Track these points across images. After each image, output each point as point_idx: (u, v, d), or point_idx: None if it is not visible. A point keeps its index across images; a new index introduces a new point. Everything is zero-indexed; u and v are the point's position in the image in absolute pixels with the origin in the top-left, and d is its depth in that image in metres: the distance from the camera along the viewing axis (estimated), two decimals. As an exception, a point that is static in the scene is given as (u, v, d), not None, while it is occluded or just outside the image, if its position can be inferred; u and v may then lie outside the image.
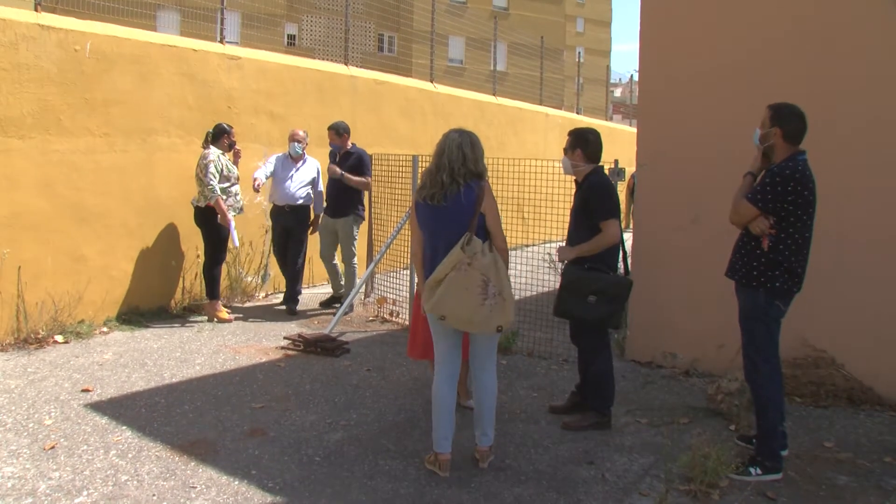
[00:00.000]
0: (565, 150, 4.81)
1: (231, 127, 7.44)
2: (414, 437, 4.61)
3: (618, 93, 42.88)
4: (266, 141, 8.73)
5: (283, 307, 8.04)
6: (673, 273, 6.04)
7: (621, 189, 5.79)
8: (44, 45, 6.45)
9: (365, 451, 4.39)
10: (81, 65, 6.76)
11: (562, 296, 4.59)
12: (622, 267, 4.84)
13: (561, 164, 4.88)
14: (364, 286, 8.40)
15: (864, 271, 5.26)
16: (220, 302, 7.53)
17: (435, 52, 12.81)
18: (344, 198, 7.88)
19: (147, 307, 7.46)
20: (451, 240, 3.93)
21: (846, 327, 5.34)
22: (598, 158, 4.75)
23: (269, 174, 7.81)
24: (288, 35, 30.94)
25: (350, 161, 7.85)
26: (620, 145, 15.96)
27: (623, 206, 4.69)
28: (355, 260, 8.02)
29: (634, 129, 7.14)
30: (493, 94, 14.29)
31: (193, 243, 7.70)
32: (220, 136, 7.31)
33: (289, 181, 7.77)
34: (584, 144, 4.71)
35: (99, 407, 4.99)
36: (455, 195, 3.92)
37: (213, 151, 7.18)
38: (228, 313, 7.53)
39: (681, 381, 5.86)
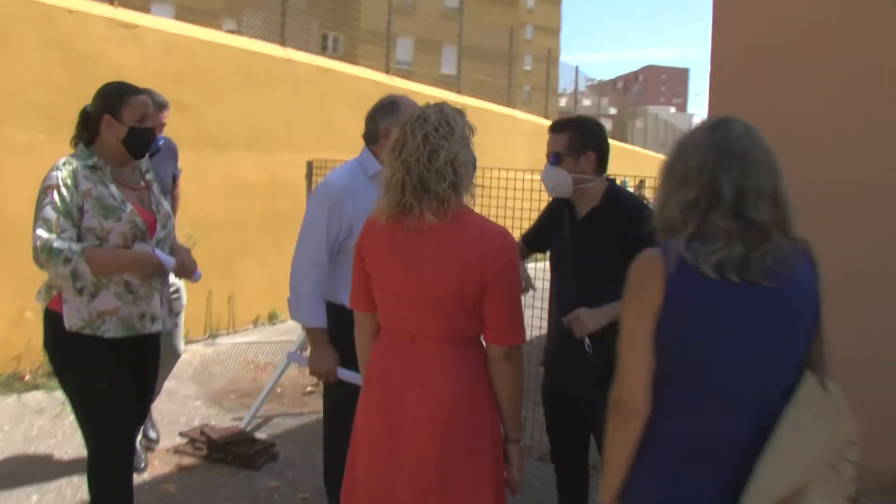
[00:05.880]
0: (558, 155, 2.78)
1: (143, 92, 2.94)
2: None
3: (562, 102, 41.81)
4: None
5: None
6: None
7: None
8: None
9: None
10: None
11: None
12: None
13: (542, 178, 2.84)
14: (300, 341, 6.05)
15: None
16: None
17: (382, 51, 10.71)
18: None
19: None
20: None
21: None
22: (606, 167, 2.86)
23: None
24: (227, 31, 28.63)
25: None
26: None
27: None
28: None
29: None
30: (458, 92, 12.34)
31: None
32: (95, 118, 2.88)
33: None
34: (595, 144, 2.80)
35: None
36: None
37: (67, 162, 2.77)
38: None
39: None
